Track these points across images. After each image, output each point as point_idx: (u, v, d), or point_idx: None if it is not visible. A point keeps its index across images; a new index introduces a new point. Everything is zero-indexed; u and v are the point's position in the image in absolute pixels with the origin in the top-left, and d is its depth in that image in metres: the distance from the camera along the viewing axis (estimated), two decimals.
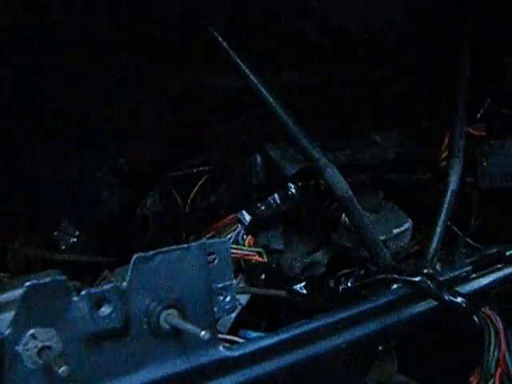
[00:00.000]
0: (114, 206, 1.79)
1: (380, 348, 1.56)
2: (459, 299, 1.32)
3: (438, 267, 1.63)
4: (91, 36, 1.40)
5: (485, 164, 2.12)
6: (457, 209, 2.04)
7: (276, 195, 1.63)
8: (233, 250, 1.48)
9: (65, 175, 1.68)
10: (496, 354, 1.35)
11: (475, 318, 1.40)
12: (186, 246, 1.02)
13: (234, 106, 1.81)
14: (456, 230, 2.06)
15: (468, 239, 2.05)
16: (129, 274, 0.97)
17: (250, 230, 1.58)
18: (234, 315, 1.50)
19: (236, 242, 1.54)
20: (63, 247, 1.69)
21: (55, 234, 1.71)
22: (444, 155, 1.91)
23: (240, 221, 1.56)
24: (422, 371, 1.98)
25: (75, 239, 1.70)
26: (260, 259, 1.51)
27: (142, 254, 0.98)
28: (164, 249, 1.00)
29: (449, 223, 1.93)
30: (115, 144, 1.72)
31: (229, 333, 1.48)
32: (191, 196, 1.91)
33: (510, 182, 2.07)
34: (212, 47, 1.44)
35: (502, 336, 1.35)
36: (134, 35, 1.47)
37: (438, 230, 1.68)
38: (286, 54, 1.76)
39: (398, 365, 1.84)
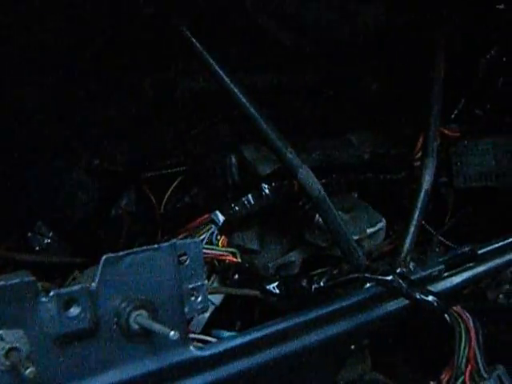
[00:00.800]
0: (89, 206, 1.79)
1: (352, 347, 1.57)
2: (430, 298, 1.33)
3: (411, 266, 1.63)
4: (66, 37, 1.40)
5: (459, 164, 2.14)
6: (432, 208, 2.07)
7: (250, 195, 1.63)
8: (206, 251, 1.47)
9: (39, 176, 1.67)
10: (466, 352, 1.36)
11: (446, 317, 1.40)
12: (156, 246, 1.02)
13: (209, 107, 1.81)
14: (430, 229, 2.07)
15: (442, 238, 2.07)
16: (98, 275, 0.97)
17: (224, 230, 1.57)
18: (207, 315, 1.50)
19: (210, 242, 1.53)
20: (37, 248, 1.68)
21: (29, 235, 1.70)
22: (418, 155, 1.92)
23: (214, 221, 1.55)
24: (396, 369, 2.00)
25: (49, 240, 1.69)
26: (233, 259, 1.51)
27: (111, 255, 0.98)
28: (134, 249, 1.00)
29: (423, 222, 1.95)
30: (89, 145, 1.72)
31: (202, 333, 1.48)
32: (166, 196, 1.90)
33: (484, 182, 2.09)
34: (186, 49, 1.44)
35: (472, 334, 1.37)
36: (109, 37, 1.48)
37: (412, 229, 1.69)
38: (261, 56, 1.77)
39: (371, 363, 1.85)
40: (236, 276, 1.52)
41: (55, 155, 1.68)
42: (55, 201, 1.74)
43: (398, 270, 1.59)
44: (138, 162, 1.85)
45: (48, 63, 1.43)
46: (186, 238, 1.54)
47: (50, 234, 1.70)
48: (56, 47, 1.42)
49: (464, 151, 2.16)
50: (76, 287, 0.94)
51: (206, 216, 1.57)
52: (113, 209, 1.87)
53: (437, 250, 2.02)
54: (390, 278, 1.34)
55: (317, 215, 1.65)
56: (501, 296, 2.03)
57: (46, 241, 1.69)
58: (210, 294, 1.44)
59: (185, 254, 1.08)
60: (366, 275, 1.38)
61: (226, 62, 1.48)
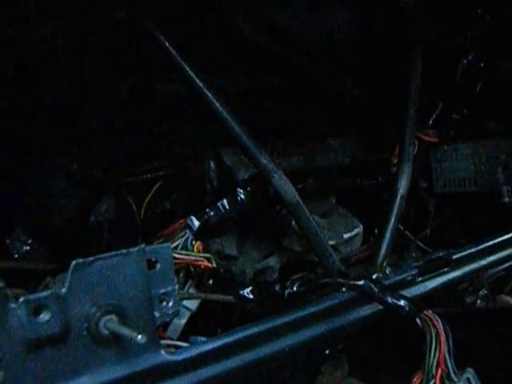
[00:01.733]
0: (68, 212, 1.80)
1: (327, 351, 1.60)
2: (402, 302, 1.37)
3: (387, 271, 1.66)
4: (42, 41, 1.42)
5: (439, 169, 2.18)
6: (412, 213, 2.10)
7: (225, 200, 1.65)
8: (181, 256, 1.50)
9: (17, 183, 1.69)
10: (437, 356, 1.39)
11: (418, 321, 1.43)
12: (125, 251, 1.04)
13: (188, 111, 1.83)
14: (408, 234, 2.10)
15: (420, 243, 2.10)
16: (68, 280, 0.99)
17: (199, 235, 1.58)
18: (183, 321, 1.52)
19: (185, 247, 1.55)
20: (16, 255, 1.69)
21: (7, 241, 1.71)
22: (395, 161, 1.94)
23: (189, 226, 1.57)
24: (372, 374, 2.03)
25: (28, 247, 1.70)
26: (208, 265, 1.53)
27: (80, 260, 1.00)
28: (103, 255, 1.02)
29: (401, 228, 1.98)
30: (67, 150, 1.73)
31: (179, 339, 1.50)
32: (146, 202, 1.92)
33: (464, 187, 2.12)
34: (160, 52, 1.46)
35: (442, 338, 1.39)
36: (85, 41, 1.49)
37: (388, 234, 1.72)
38: (239, 59, 1.79)
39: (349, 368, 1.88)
40: (210, 281, 1.54)
41: (34, 161, 1.68)
42: (34, 207, 1.75)
43: (375, 275, 1.60)
44: (116, 167, 1.85)
45: (23, 69, 1.44)
46: (161, 243, 1.56)
47: (29, 240, 1.71)
48: (31, 52, 1.43)
49: (443, 156, 2.20)
50: (45, 293, 0.96)
51: (181, 221, 1.58)
52: (92, 214, 1.87)
53: (413, 254, 2.05)
54: (361, 282, 1.37)
55: (293, 221, 1.67)
56: (478, 301, 2.06)
57: (25, 248, 1.70)
58: (185, 299, 1.46)
59: (155, 259, 1.09)
60: (338, 280, 1.41)
61: (201, 66, 1.50)
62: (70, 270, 0.99)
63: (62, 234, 1.80)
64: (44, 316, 0.96)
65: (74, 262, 0.99)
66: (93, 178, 1.83)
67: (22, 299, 0.94)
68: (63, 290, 0.98)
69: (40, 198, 1.76)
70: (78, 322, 1.01)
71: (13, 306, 0.93)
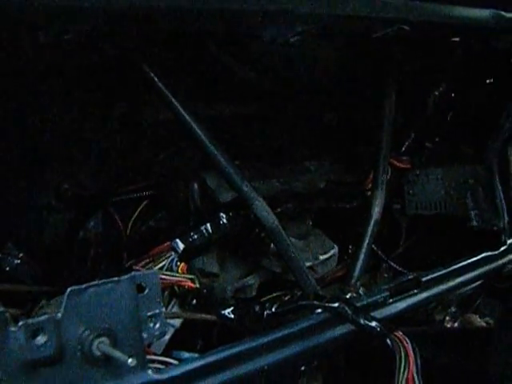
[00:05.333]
0: (58, 228, 1.84)
1: (303, 368, 1.65)
2: (374, 323, 1.43)
3: (361, 291, 1.71)
4: (37, 68, 1.46)
5: (411, 192, 2.24)
6: (386, 233, 2.16)
7: (208, 225, 1.70)
8: (166, 277, 1.55)
9: (9, 201, 1.72)
10: (406, 374, 1.45)
11: (388, 341, 1.49)
12: (116, 279, 1.10)
13: (173, 137, 1.88)
14: (381, 254, 2.16)
15: (392, 263, 2.15)
16: (63, 306, 1.04)
17: (183, 257, 1.64)
18: (167, 337, 1.57)
19: (170, 268, 1.60)
20: (7, 269, 1.73)
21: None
22: (370, 186, 2.01)
23: (174, 249, 1.62)
24: None
25: (19, 261, 1.73)
26: (192, 285, 1.58)
27: (75, 287, 1.05)
28: (96, 282, 1.08)
29: (375, 248, 2.04)
30: (58, 170, 1.77)
31: (163, 353, 1.55)
32: (132, 220, 1.96)
33: (435, 210, 2.18)
34: (146, 83, 1.51)
35: (411, 358, 1.45)
36: (77, 71, 1.54)
37: (362, 256, 1.78)
38: (221, 90, 1.84)
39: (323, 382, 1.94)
40: (194, 301, 1.59)
41: (26, 180, 1.72)
42: (26, 223, 1.78)
43: (348, 295, 1.66)
44: (105, 187, 1.89)
45: (17, 91, 1.48)
46: (147, 264, 1.61)
47: (20, 255, 1.74)
48: (32, 75, 1.48)
49: (416, 180, 2.26)
50: (43, 317, 1.01)
51: (166, 244, 1.63)
52: (81, 231, 1.91)
53: (385, 275, 2.11)
54: (336, 304, 1.43)
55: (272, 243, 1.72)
56: (447, 318, 2.12)
57: (16, 261, 1.73)
58: (170, 318, 1.52)
59: (143, 285, 1.15)
60: (315, 302, 1.47)
61: (183, 95, 1.55)
62: (66, 296, 1.05)
63: (52, 249, 1.83)
64: (41, 339, 1.01)
65: (69, 289, 1.05)
66: (82, 196, 1.86)
67: (20, 323, 0.99)
68: (59, 315, 1.03)
69: (31, 215, 1.80)
70: (72, 344, 1.06)
71: (12, 329, 0.98)
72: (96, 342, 1.06)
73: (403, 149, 2.20)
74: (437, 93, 2.14)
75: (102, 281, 1.08)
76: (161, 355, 1.49)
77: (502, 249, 1.97)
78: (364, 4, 1.34)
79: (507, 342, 2.07)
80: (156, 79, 1.51)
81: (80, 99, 1.67)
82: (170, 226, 1.96)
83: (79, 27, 1.11)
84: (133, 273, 1.12)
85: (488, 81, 2.06)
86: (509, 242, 2.00)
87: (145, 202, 1.99)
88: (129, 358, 1.01)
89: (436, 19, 1.50)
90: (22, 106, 1.57)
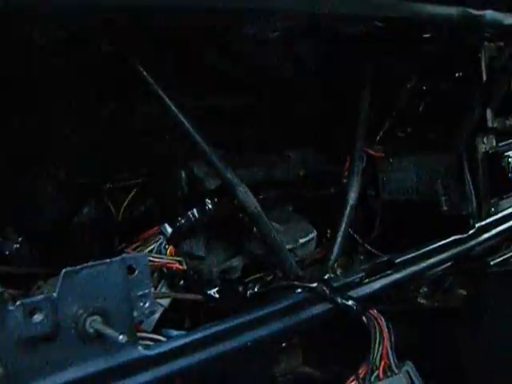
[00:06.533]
0: (55, 214, 1.85)
1: (283, 344, 1.67)
2: (350, 302, 1.46)
3: (338, 272, 1.74)
4: (34, 68, 1.47)
5: (385, 179, 2.26)
6: (362, 218, 2.18)
7: (194, 210, 1.72)
8: (155, 259, 1.57)
9: (7, 187, 1.73)
10: (380, 350, 1.48)
11: (363, 318, 1.51)
12: (108, 261, 1.12)
13: (162, 128, 1.89)
14: (357, 237, 2.18)
15: (367, 246, 2.18)
16: (59, 286, 1.06)
17: (171, 240, 1.65)
18: (157, 316, 1.58)
19: (159, 251, 1.61)
20: (7, 252, 1.74)
21: None
22: (346, 173, 2.03)
23: (162, 232, 1.64)
24: (323, 364, 2.11)
25: (18, 245, 1.74)
26: (180, 267, 1.60)
27: (70, 269, 1.07)
28: (89, 263, 1.10)
29: (352, 232, 2.06)
30: (55, 159, 1.78)
31: (153, 331, 1.56)
32: (123, 206, 1.97)
33: (407, 196, 2.20)
34: (137, 78, 1.52)
35: (385, 334, 1.48)
36: (70, 67, 1.55)
37: (339, 239, 1.80)
38: (206, 82, 1.85)
39: (302, 358, 1.96)
40: (182, 282, 1.61)
41: (25, 168, 1.73)
42: (24, 209, 1.79)
43: (327, 276, 1.68)
44: (98, 175, 1.90)
45: (16, 83, 1.49)
46: (138, 247, 1.62)
47: (19, 239, 1.74)
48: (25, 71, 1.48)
49: (389, 168, 2.28)
50: (39, 297, 1.03)
51: (155, 228, 1.65)
52: (76, 216, 1.92)
53: (361, 257, 2.13)
54: (315, 284, 1.45)
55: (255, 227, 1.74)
56: (419, 298, 2.15)
57: (15, 246, 1.74)
58: (159, 298, 1.53)
59: (133, 266, 1.17)
60: (295, 282, 1.49)
61: (170, 89, 1.56)
62: (61, 277, 1.06)
63: (49, 234, 1.84)
64: (38, 317, 1.03)
65: (64, 270, 1.07)
66: (77, 184, 1.87)
67: (18, 302, 1.01)
68: (54, 295, 1.05)
69: (30, 201, 1.80)
70: (67, 321, 1.08)
71: (11, 308, 1.00)
72: (89, 320, 1.09)
73: (377, 138, 2.21)
74: (409, 85, 2.16)
75: (95, 262, 1.10)
76: (150, 333, 1.50)
77: (471, 232, 1.99)
78: (340, 2, 1.35)
79: (475, 320, 2.10)
80: (145, 74, 1.52)
81: (73, 93, 1.67)
82: (159, 211, 1.95)
83: (71, 26, 1.12)
84: (123, 255, 1.13)
85: (457, 74, 2.07)
86: (477, 225, 2.02)
87: (135, 190, 1.98)
88: (120, 334, 1.03)
89: (407, 16, 1.52)
90: (20, 99, 1.56)
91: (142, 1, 1.11)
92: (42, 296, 1.04)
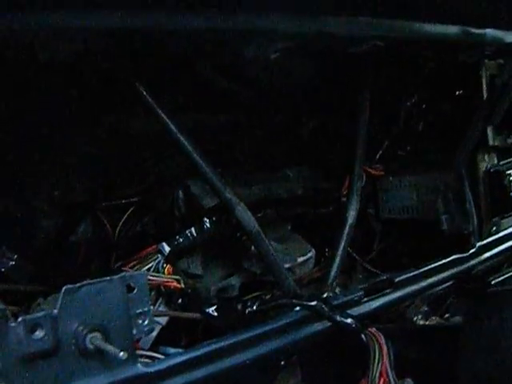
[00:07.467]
0: (50, 232, 1.89)
1: (282, 362, 1.71)
2: (349, 320, 1.50)
3: (337, 291, 1.78)
4: (30, 81, 1.52)
5: (385, 198, 2.31)
6: (361, 237, 2.22)
7: (192, 229, 1.77)
8: (153, 278, 1.62)
9: (4, 206, 1.77)
10: (379, 367, 1.52)
11: (362, 336, 1.56)
12: (108, 278, 1.16)
13: (160, 146, 1.93)
14: (356, 256, 2.23)
15: (366, 264, 2.22)
16: (59, 303, 1.11)
17: (170, 259, 1.70)
18: (154, 334, 1.63)
19: (157, 270, 1.66)
20: (2, 270, 1.78)
21: None
22: (345, 192, 2.07)
23: (160, 251, 1.69)
24: (323, 382, 2.15)
25: (13, 262, 1.78)
26: (178, 286, 1.65)
27: (70, 286, 1.12)
28: (89, 281, 1.14)
29: (350, 251, 2.11)
30: (51, 177, 1.82)
31: (150, 349, 1.61)
32: (119, 225, 2.02)
33: (407, 214, 2.25)
34: (135, 96, 1.57)
35: (384, 352, 1.53)
36: (69, 84, 1.60)
37: (338, 258, 1.84)
38: (205, 100, 1.89)
39: (301, 377, 2.00)
40: (180, 300, 1.66)
41: (20, 186, 1.77)
42: (19, 228, 1.82)
43: (325, 295, 1.72)
44: (94, 193, 1.94)
45: (13, 99, 1.54)
46: (135, 265, 1.67)
47: (15, 256, 1.78)
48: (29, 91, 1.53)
49: (389, 187, 2.33)
50: (40, 314, 1.08)
51: (153, 246, 1.70)
52: (71, 236, 1.96)
53: (360, 276, 2.18)
54: (314, 303, 1.50)
55: (252, 246, 1.79)
56: (419, 317, 2.20)
57: (10, 263, 1.78)
58: (157, 316, 1.58)
59: (133, 284, 1.22)
60: (294, 301, 1.54)
61: (169, 106, 1.60)
62: (62, 294, 1.11)
63: (45, 252, 1.88)
64: (39, 333, 1.08)
65: (64, 287, 1.11)
66: (72, 202, 1.91)
67: (20, 319, 1.05)
68: (55, 311, 1.10)
69: (25, 219, 1.83)
70: (67, 338, 1.12)
71: (13, 324, 1.05)
72: (89, 337, 1.13)
73: (377, 157, 2.26)
74: (409, 104, 2.21)
75: (95, 280, 1.15)
76: (148, 350, 1.54)
77: (472, 251, 2.03)
78: (341, 22, 1.41)
79: (474, 338, 2.14)
80: (144, 92, 1.56)
81: (71, 109, 1.70)
82: (156, 230, 1.99)
83: (75, 46, 1.17)
84: (123, 273, 1.18)
85: (457, 92, 2.12)
86: (478, 245, 2.05)
87: (132, 208, 2.02)
88: (120, 351, 1.07)
89: (408, 35, 1.57)
90: (16, 114, 1.60)
91: (144, 24, 1.16)
92: (42, 313, 1.08)
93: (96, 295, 1.16)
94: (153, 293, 1.67)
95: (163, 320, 1.67)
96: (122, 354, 1.07)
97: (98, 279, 1.16)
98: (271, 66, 1.76)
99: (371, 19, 1.48)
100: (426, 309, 2.21)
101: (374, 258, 2.33)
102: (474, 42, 1.79)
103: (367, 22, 1.49)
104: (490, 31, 1.77)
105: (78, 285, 1.13)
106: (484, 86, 2.05)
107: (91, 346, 1.13)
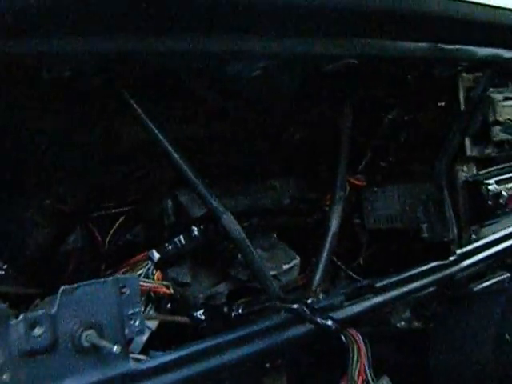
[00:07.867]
0: (41, 242, 1.96)
1: (267, 365, 1.80)
2: (329, 322, 1.59)
3: (320, 297, 1.87)
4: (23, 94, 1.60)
5: (369, 208, 2.41)
6: (347, 246, 2.32)
7: (181, 236, 1.86)
8: (143, 283, 1.69)
9: None
10: (358, 366, 1.63)
11: (342, 337, 1.66)
12: (103, 280, 1.27)
13: (149, 156, 2.02)
14: (340, 264, 2.32)
15: (350, 272, 2.32)
16: (57, 302, 1.21)
17: (159, 265, 1.79)
18: (145, 338, 1.71)
19: (147, 276, 1.75)
20: None
21: None
22: (329, 202, 2.17)
23: (150, 258, 1.78)
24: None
25: (3, 272, 1.85)
26: (167, 291, 1.73)
27: (67, 287, 1.22)
28: (86, 282, 1.25)
29: (334, 258, 2.21)
30: (41, 187, 1.89)
31: (141, 353, 1.71)
32: (110, 234, 2.10)
33: (391, 224, 2.35)
34: (124, 108, 1.65)
35: (362, 352, 1.63)
36: (58, 97, 1.68)
37: (321, 265, 1.92)
38: (192, 112, 1.98)
39: (286, 380, 2.10)
40: (169, 305, 1.76)
41: (11, 196, 1.83)
42: (9, 237, 1.89)
43: (309, 300, 1.81)
44: (84, 203, 2.02)
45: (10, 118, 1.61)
46: (126, 272, 1.76)
47: (5, 266, 1.84)
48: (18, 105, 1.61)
49: (373, 197, 2.43)
50: (39, 312, 1.18)
51: (143, 254, 1.79)
52: (61, 245, 2.03)
53: (343, 283, 2.27)
54: (296, 306, 1.60)
55: (239, 254, 1.88)
56: (402, 322, 2.29)
57: (0, 272, 1.86)
58: (147, 320, 1.68)
59: (125, 287, 1.32)
60: (277, 303, 1.64)
61: (157, 118, 1.67)
62: (59, 294, 1.21)
63: (35, 261, 1.94)
64: (38, 331, 1.18)
65: (62, 288, 1.22)
66: (62, 212, 1.97)
67: (20, 317, 1.15)
68: (53, 310, 1.20)
69: (15, 229, 1.90)
70: (64, 335, 1.22)
71: (13, 322, 1.15)
72: (85, 334, 1.23)
73: (360, 168, 2.36)
74: (390, 116, 2.31)
75: (90, 281, 1.26)
76: (139, 354, 1.64)
77: (451, 259, 2.14)
78: (315, 43, 1.52)
79: (445, 339, 2.24)
80: (132, 102, 1.63)
81: (60, 121, 1.77)
82: (146, 239, 2.08)
83: (73, 66, 1.27)
84: (116, 276, 1.29)
85: (436, 104, 2.22)
86: (458, 252, 2.16)
87: (122, 218, 2.09)
88: (114, 345, 1.18)
89: (380, 53, 1.67)
90: (7, 127, 1.66)
91: (134, 47, 1.26)
92: (42, 311, 1.18)
93: (91, 295, 1.26)
94: (143, 298, 1.74)
95: (153, 325, 1.75)
96: (115, 348, 1.17)
97: (93, 280, 1.26)
98: (255, 81, 1.84)
99: (344, 39, 1.59)
100: (408, 315, 2.30)
101: (360, 266, 2.41)
102: (446, 58, 1.90)
103: (340, 41, 1.59)
104: (462, 47, 1.87)
105: (75, 285, 1.23)
106: (461, 98, 2.16)
107: (86, 344, 1.23)
